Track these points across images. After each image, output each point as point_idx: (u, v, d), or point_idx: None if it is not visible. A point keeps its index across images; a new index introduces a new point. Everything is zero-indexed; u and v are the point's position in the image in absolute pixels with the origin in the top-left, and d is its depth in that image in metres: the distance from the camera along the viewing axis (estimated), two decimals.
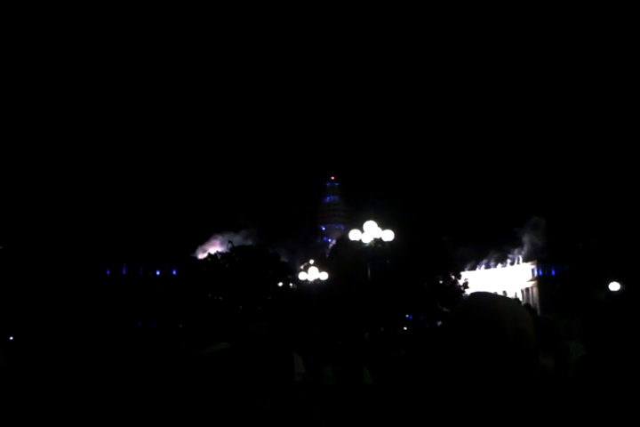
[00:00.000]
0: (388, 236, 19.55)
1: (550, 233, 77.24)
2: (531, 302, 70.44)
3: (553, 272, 75.59)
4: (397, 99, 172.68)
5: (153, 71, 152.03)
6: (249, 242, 72.46)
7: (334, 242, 69.52)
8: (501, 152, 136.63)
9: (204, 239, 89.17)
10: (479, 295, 1.46)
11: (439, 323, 37.24)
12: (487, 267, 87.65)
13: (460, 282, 56.65)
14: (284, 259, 67.45)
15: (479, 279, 78.39)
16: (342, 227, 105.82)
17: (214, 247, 75.36)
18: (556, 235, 74.38)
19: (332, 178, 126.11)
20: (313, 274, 30.45)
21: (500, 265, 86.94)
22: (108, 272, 75.25)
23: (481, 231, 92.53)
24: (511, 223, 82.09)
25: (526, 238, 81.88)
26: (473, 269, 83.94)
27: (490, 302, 1.39)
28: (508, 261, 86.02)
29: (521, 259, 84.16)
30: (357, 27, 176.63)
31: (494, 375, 1.30)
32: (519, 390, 1.30)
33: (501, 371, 1.30)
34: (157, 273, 79.27)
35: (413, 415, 1.37)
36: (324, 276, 30.60)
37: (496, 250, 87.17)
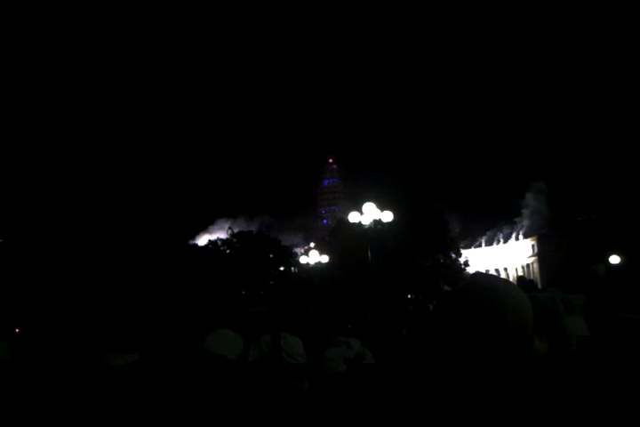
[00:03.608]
0: (388, 217, 19.56)
1: (550, 205, 77.06)
2: (532, 277, 70.69)
3: (553, 247, 75.69)
4: (392, 77, 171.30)
5: (158, 58, 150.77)
6: (251, 228, 72.29)
7: (334, 224, 69.57)
8: (499, 130, 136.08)
9: (203, 227, 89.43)
10: (478, 280, 1.42)
11: None
12: (488, 244, 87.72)
13: (461, 260, 56.80)
14: (284, 243, 67.54)
15: (480, 257, 78.56)
16: (341, 209, 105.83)
17: (217, 233, 75.47)
18: (556, 210, 74.42)
19: (330, 160, 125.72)
20: (314, 257, 30.51)
21: (501, 241, 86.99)
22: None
23: (481, 207, 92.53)
24: (511, 200, 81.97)
25: (529, 204, 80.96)
26: (469, 246, 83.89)
27: (489, 289, 1.35)
28: (511, 235, 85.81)
29: (521, 235, 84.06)
30: (352, 12, 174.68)
31: (488, 361, 1.28)
32: (514, 373, 1.29)
33: (496, 357, 1.28)
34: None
35: (413, 398, 1.36)
36: (324, 259, 30.66)
37: (498, 226, 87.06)
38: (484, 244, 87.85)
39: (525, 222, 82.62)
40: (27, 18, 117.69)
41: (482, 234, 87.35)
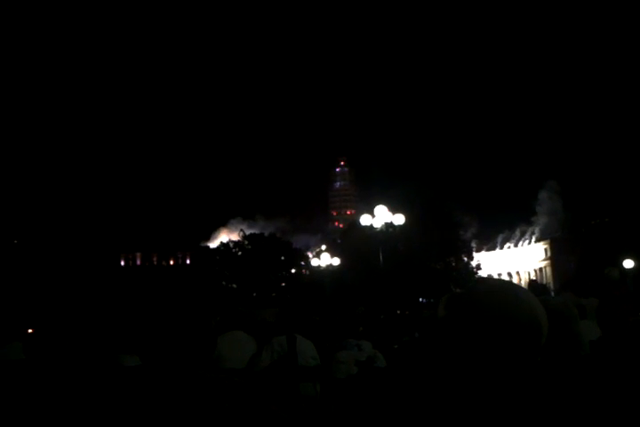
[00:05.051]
0: (399, 220, 19.53)
1: (564, 205, 76.58)
2: (545, 281, 70.16)
3: (566, 251, 75.04)
4: (404, 79, 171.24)
5: (174, 59, 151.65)
6: (263, 230, 72.29)
7: (345, 227, 69.46)
8: (512, 132, 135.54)
9: (215, 229, 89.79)
10: (490, 284, 1.39)
11: None
12: (501, 247, 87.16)
13: (473, 264, 56.49)
14: (297, 245, 67.54)
15: (492, 260, 78.06)
16: (353, 212, 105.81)
17: (230, 234, 75.69)
18: (570, 211, 73.94)
19: (342, 163, 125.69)
20: (325, 260, 30.52)
21: (512, 245, 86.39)
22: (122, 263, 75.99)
23: (500, 208, 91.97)
24: (528, 201, 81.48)
25: (544, 202, 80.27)
26: (488, 248, 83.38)
27: (504, 293, 1.33)
28: (524, 239, 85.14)
29: (534, 238, 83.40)
30: (363, 11, 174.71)
31: (500, 365, 1.28)
32: (525, 377, 1.28)
33: (508, 361, 1.28)
34: (171, 263, 79.82)
35: (424, 401, 1.36)
36: (336, 261, 30.65)
37: (515, 226, 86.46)
38: (499, 246, 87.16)
39: (542, 220, 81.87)
40: (27, 18, 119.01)
41: (498, 235, 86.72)
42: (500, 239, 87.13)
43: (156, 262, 79.28)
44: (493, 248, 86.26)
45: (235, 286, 58.51)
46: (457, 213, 57.20)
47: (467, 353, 1.31)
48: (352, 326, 8.14)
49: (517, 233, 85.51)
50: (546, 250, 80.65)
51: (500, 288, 1.36)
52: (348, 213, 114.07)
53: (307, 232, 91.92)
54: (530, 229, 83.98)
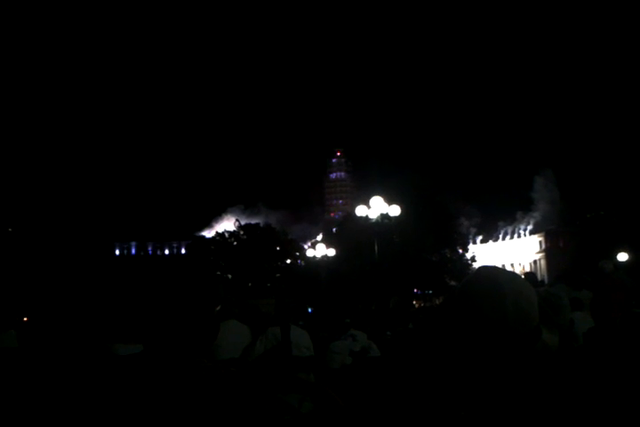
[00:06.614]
0: (395, 211, 19.51)
1: (560, 194, 76.97)
2: (539, 274, 70.42)
3: (561, 244, 75.35)
4: (399, 69, 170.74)
5: (172, 54, 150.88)
6: (260, 221, 72.18)
7: (341, 218, 69.42)
8: (509, 123, 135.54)
9: (212, 218, 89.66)
10: (483, 271, 1.43)
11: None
12: (495, 240, 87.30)
13: (468, 256, 56.60)
14: (293, 236, 67.50)
15: (487, 252, 78.23)
16: (349, 203, 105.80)
17: (228, 222, 75.57)
18: (565, 206, 74.17)
19: (338, 154, 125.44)
20: (320, 250, 30.53)
21: (508, 237, 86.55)
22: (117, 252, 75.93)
23: (503, 199, 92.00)
24: (524, 193, 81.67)
25: (539, 190, 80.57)
26: (477, 238, 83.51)
27: (492, 280, 1.36)
28: (519, 231, 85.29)
29: (532, 223, 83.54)
30: (358, 4, 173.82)
31: (493, 353, 1.28)
32: (519, 366, 1.29)
33: (501, 348, 1.28)
34: (166, 252, 79.83)
35: (418, 391, 1.37)
36: (331, 252, 30.66)
37: (506, 221, 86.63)
38: (496, 235, 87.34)
39: (540, 206, 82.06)
40: (27, 18, 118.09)
41: (498, 227, 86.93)
42: (499, 228, 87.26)
43: (150, 252, 79.30)
44: (487, 240, 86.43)
45: (230, 276, 58.52)
46: (457, 204, 57.32)
47: (462, 341, 1.31)
48: (339, 318, 8.15)
49: (518, 217, 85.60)
50: (540, 242, 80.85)
51: (490, 276, 1.38)
52: (344, 203, 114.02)
53: (306, 222, 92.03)
54: (528, 215, 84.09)
